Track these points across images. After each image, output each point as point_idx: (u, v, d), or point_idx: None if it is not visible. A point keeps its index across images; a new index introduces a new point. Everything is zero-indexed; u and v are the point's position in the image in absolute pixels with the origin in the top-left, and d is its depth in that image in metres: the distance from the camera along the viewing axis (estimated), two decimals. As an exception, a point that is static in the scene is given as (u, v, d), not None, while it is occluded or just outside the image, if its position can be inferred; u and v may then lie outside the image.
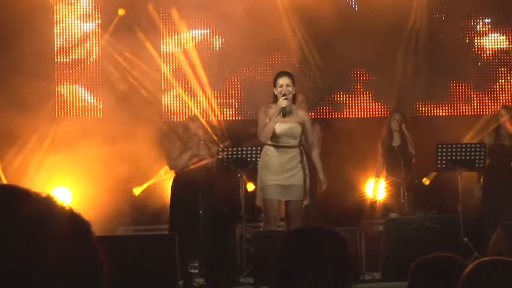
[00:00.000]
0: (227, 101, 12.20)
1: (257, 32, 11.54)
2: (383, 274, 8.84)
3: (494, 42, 12.52)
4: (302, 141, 8.97)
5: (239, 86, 12.21)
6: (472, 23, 12.54)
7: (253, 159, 9.49)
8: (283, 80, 8.72)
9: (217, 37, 12.16)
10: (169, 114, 12.14)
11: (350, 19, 12.05)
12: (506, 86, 12.48)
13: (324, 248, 2.59)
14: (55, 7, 12.00)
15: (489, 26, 12.52)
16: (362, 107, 12.32)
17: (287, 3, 12.02)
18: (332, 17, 11.57)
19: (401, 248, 8.47)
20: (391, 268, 8.48)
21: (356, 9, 12.35)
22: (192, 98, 12.04)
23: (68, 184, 10.93)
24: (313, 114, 11.55)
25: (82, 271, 1.31)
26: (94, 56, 12.06)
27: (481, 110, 12.39)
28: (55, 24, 11.97)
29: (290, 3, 12.00)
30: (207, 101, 12.06)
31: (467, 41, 12.52)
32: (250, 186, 10.34)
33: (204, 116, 11.61)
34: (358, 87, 12.32)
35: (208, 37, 12.18)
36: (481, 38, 12.52)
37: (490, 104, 12.40)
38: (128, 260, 7.80)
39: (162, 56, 12.10)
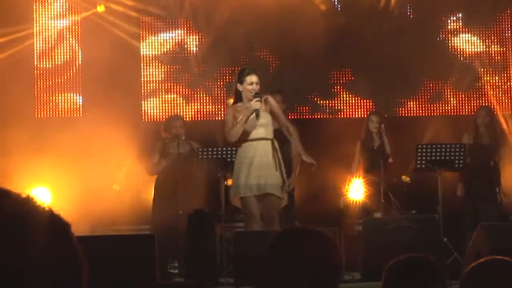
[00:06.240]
0: (208, 100, 12.18)
1: (236, 32, 11.57)
2: (362, 274, 8.86)
3: (469, 43, 12.51)
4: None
5: (218, 85, 12.18)
6: (449, 21, 12.57)
7: (233, 159, 9.47)
8: (254, 78, 8.44)
9: (195, 37, 12.15)
10: (149, 114, 12.11)
11: (332, 19, 12.07)
12: (485, 86, 12.49)
13: (311, 249, 2.60)
14: (34, 5, 11.95)
15: (461, 23, 12.52)
16: (342, 107, 12.32)
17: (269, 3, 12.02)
18: (314, 18, 11.62)
19: (380, 248, 8.46)
20: (370, 268, 8.48)
21: (339, 9, 12.36)
22: (173, 98, 12.05)
23: (48, 185, 10.88)
24: (293, 114, 11.58)
25: (61, 271, 1.31)
26: (74, 57, 12.02)
27: (458, 110, 12.42)
28: (34, 24, 11.92)
29: (272, 3, 11.99)
30: (188, 101, 12.06)
31: (440, 39, 12.52)
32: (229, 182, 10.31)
33: (186, 115, 11.61)
34: (338, 87, 12.32)
35: (186, 36, 12.17)
36: (455, 37, 12.52)
37: (467, 104, 12.42)
38: (107, 260, 7.77)
39: (142, 57, 12.10)
